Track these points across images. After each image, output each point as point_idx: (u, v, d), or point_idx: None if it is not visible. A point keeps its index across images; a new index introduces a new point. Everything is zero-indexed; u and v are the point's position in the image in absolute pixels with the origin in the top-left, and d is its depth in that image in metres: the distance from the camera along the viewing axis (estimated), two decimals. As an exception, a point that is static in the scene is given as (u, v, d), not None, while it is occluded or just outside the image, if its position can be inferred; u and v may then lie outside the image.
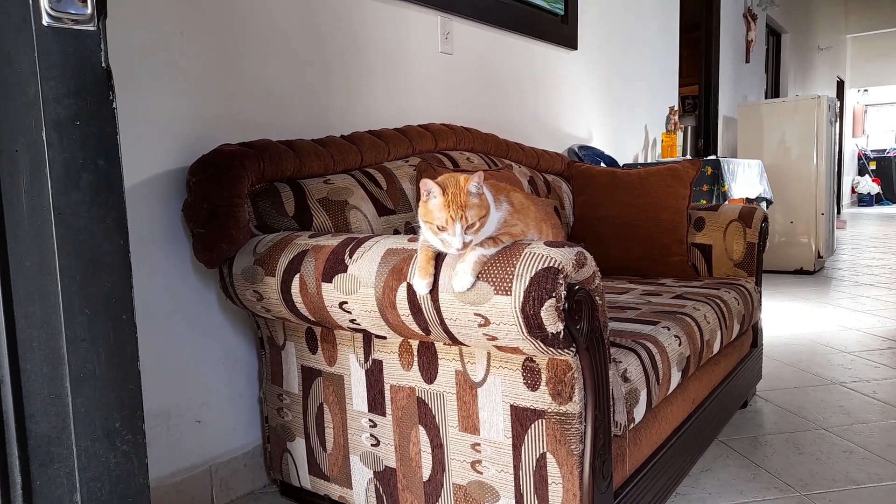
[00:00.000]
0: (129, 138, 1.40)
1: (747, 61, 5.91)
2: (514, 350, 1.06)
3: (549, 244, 1.01)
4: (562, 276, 0.96)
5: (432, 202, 1.02)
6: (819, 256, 4.80)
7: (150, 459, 1.46)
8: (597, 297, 1.05)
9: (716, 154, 5.19)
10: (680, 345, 1.41)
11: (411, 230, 1.69)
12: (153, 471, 1.47)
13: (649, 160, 3.99)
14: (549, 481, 1.10)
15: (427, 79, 2.24)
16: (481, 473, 1.18)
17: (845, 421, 1.98)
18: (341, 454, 1.40)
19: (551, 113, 2.98)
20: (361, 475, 1.37)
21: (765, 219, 2.08)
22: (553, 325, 0.97)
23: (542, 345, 1.00)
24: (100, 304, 0.70)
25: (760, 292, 2.05)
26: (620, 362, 1.22)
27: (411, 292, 1.08)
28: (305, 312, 1.28)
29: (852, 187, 12.52)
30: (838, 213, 10.49)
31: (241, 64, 1.63)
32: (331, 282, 1.20)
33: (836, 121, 5.03)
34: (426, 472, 1.26)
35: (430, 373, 1.22)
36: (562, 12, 2.94)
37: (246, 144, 1.46)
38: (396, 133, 1.86)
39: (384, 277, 1.12)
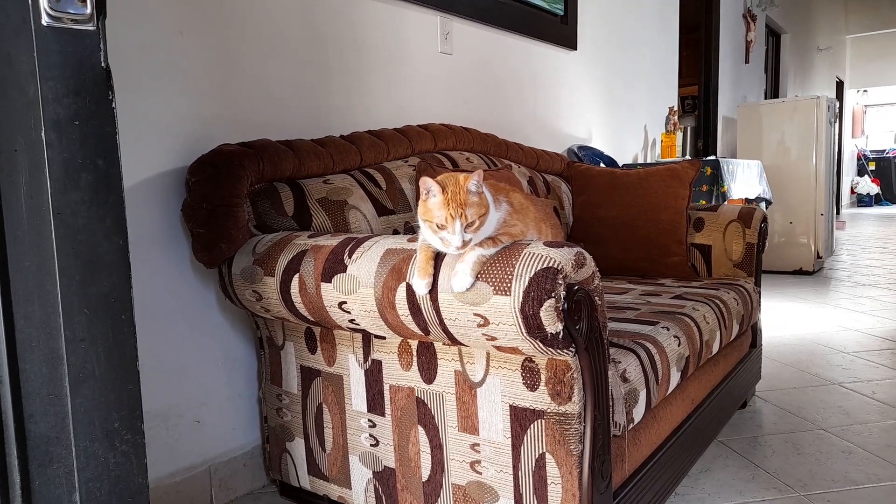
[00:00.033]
0: (128, 138, 1.40)
1: (747, 62, 5.91)
2: (514, 350, 1.06)
3: (548, 244, 1.01)
4: (561, 276, 0.96)
5: (432, 200, 1.02)
6: (818, 257, 4.80)
7: (149, 459, 1.46)
8: (596, 298, 1.05)
9: (715, 154, 5.19)
10: (679, 345, 1.41)
11: (411, 230, 1.69)
12: (152, 471, 1.47)
13: (649, 160, 3.99)
14: (549, 481, 1.10)
15: (427, 79, 2.24)
16: (480, 474, 1.18)
17: (844, 421, 1.98)
18: (340, 454, 1.40)
19: (551, 113, 2.98)
20: (361, 475, 1.37)
21: (764, 219, 2.08)
22: (552, 325, 0.97)
23: (541, 345, 1.00)
24: (99, 304, 0.70)
25: (759, 293, 2.06)
26: (620, 362, 1.22)
27: (410, 292, 1.08)
28: (304, 312, 1.28)
29: (851, 188, 12.53)
30: (837, 213, 10.50)
31: (240, 64, 1.63)
32: (330, 282, 1.20)
33: (835, 121, 5.03)
34: (425, 473, 1.26)
35: (429, 373, 1.22)
36: (561, 12, 2.94)
37: (245, 144, 1.46)
38: (396, 133, 1.86)
39: (383, 277, 1.12)
